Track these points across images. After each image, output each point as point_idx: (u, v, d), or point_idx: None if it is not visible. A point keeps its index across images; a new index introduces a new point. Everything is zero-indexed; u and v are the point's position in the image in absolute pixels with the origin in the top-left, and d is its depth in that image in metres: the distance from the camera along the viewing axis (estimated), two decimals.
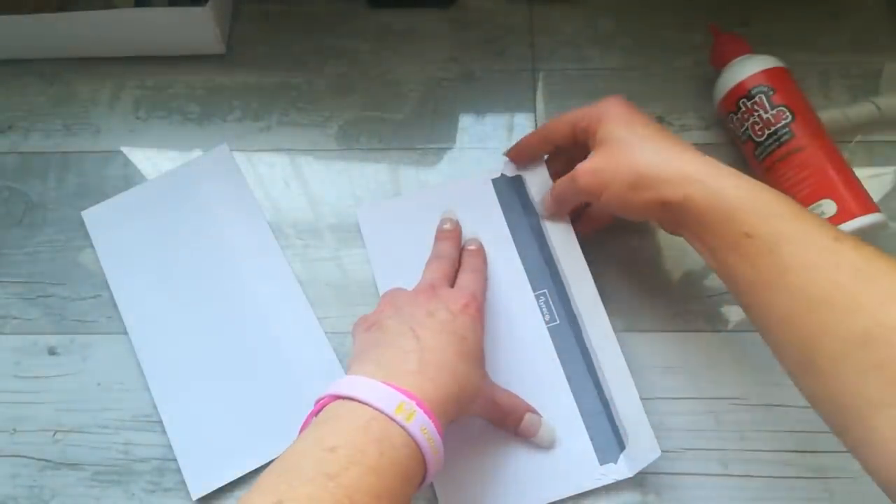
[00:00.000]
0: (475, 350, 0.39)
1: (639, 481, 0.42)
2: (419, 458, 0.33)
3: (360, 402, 0.33)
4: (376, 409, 0.33)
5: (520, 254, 0.48)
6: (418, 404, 0.33)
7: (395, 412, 0.32)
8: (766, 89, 0.46)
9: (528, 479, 0.42)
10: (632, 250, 0.49)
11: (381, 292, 0.47)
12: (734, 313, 0.47)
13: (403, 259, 0.47)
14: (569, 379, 0.44)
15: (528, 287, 0.47)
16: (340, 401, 0.34)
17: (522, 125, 0.53)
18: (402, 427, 0.32)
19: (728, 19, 0.55)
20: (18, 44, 0.56)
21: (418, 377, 0.35)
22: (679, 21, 0.56)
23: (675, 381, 0.45)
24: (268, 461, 0.44)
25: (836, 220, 0.43)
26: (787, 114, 0.45)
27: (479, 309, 0.41)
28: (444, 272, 0.43)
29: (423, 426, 0.33)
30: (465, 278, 0.43)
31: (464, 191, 0.50)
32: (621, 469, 0.42)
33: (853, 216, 0.43)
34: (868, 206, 0.43)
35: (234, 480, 0.44)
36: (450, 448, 0.40)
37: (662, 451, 0.42)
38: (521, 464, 0.42)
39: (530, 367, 0.45)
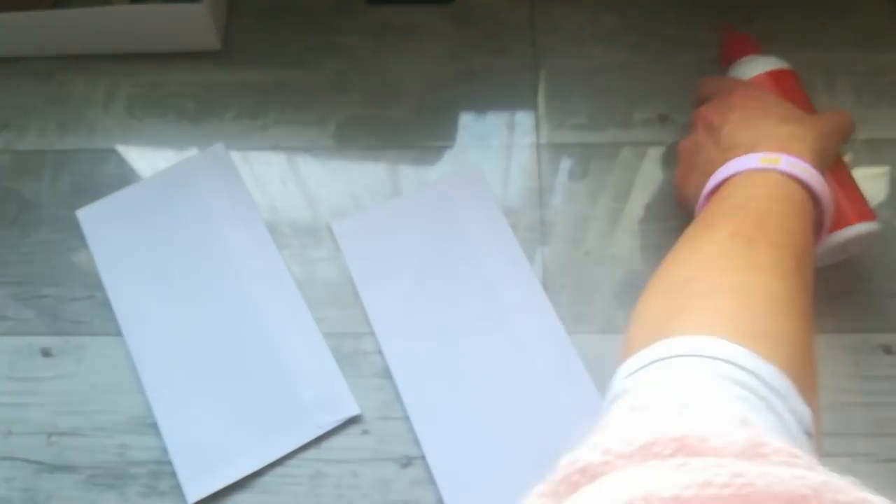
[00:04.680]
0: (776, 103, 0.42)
1: None
2: (801, 189, 0.36)
3: (733, 176, 0.37)
4: (745, 171, 0.37)
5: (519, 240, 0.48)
6: (781, 151, 0.36)
7: (762, 162, 0.36)
8: None
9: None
10: (633, 250, 0.48)
11: (365, 304, 0.47)
12: None
13: (384, 269, 0.48)
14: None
15: (532, 273, 0.47)
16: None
17: (523, 123, 0.52)
18: (774, 169, 0.36)
19: (732, 16, 0.54)
20: (12, 42, 0.55)
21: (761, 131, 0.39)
22: (682, 17, 0.55)
23: None
24: (264, 464, 0.44)
25: (831, 227, 0.42)
26: None
27: (744, 94, 0.43)
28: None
29: (791, 163, 0.36)
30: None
31: (453, 187, 0.50)
32: None
33: (848, 223, 0.42)
34: (864, 213, 0.42)
35: (230, 484, 0.43)
36: None
37: None
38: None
39: (540, 359, 0.44)
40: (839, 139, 0.41)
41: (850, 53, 0.53)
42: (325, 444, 0.44)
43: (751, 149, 0.38)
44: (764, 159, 0.36)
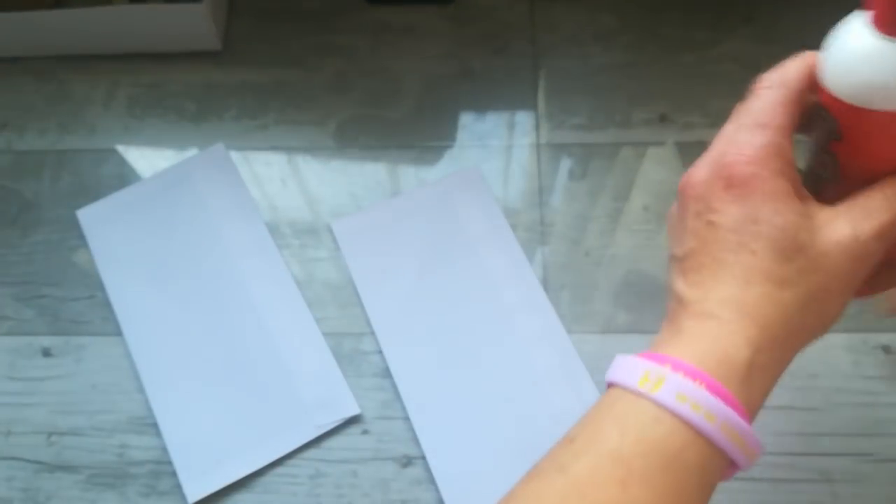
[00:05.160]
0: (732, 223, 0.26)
1: None
2: (690, 434, 0.24)
3: (610, 384, 0.27)
4: (620, 386, 0.26)
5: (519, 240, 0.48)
6: (675, 367, 0.25)
7: (639, 384, 0.25)
8: (831, 123, 0.27)
9: None
10: (633, 250, 0.48)
11: (365, 303, 0.47)
12: None
13: (384, 268, 0.48)
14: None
15: (532, 273, 0.47)
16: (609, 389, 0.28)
17: (523, 122, 0.52)
18: (650, 399, 0.25)
19: (731, 15, 0.54)
20: (13, 41, 0.55)
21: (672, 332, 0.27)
22: (682, 17, 0.55)
23: None
24: (264, 464, 0.43)
25: None
26: (831, 168, 0.28)
27: (699, 188, 0.27)
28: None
29: (679, 393, 0.24)
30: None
31: (453, 187, 0.50)
32: None
33: None
34: None
35: (230, 484, 0.43)
36: None
37: None
38: None
39: (540, 359, 0.44)
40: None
41: None
42: (325, 444, 0.44)
43: (672, 326, 0.27)
44: (645, 378, 0.25)
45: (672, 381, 0.25)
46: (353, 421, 0.45)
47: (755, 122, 0.27)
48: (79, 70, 0.56)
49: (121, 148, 0.53)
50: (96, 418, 0.46)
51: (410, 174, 0.51)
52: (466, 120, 0.53)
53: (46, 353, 0.48)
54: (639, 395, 0.25)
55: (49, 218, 0.51)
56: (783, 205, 0.26)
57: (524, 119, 0.52)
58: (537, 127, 0.52)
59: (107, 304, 0.48)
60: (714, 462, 0.25)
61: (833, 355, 0.45)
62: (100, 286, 0.49)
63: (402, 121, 0.53)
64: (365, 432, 0.45)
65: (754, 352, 0.25)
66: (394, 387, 0.45)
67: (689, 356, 0.25)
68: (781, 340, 0.26)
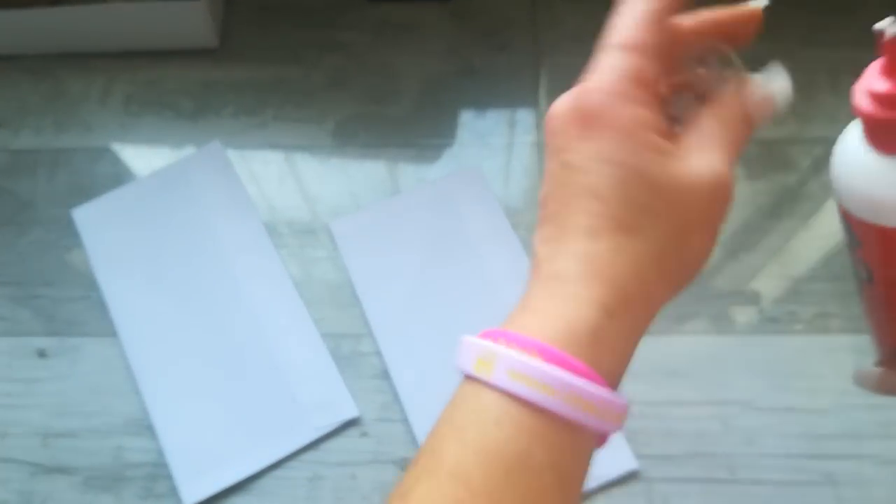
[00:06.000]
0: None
1: (646, 487, 0.41)
2: (536, 424, 0.21)
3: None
4: (464, 373, 0.24)
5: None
6: (508, 341, 0.22)
7: (475, 370, 0.22)
8: (849, 231, 0.25)
9: None
10: None
11: (364, 304, 0.47)
12: (741, 315, 0.46)
13: (384, 269, 0.47)
14: None
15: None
16: None
17: (524, 121, 0.52)
18: (486, 385, 0.22)
19: None
20: (9, 39, 0.55)
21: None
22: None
23: (682, 384, 0.44)
24: (262, 467, 0.43)
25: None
26: (865, 274, 0.26)
27: (557, 121, 0.24)
28: None
29: (511, 370, 0.21)
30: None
31: (454, 186, 0.50)
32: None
33: None
34: None
35: (227, 487, 0.43)
36: None
37: (670, 454, 0.41)
38: None
39: None
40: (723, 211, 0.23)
41: (853, 52, 0.52)
42: (324, 447, 0.44)
43: (524, 293, 0.24)
44: (479, 362, 0.22)
45: (503, 358, 0.22)
46: (351, 423, 0.44)
47: (618, 43, 0.25)
48: (75, 68, 0.56)
49: (116, 146, 0.53)
50: (92, 420, 0.45)
51: (410, 173, 0.51)
52: (467, 118, 0.52)
53: (42, 354, 0.47)
54: (476, 383, 0.22)
55: (44, 217, 0.51)
56: (637, 141, 0.22)
57: (525, 117, 0.52)
58: (538, 125, 0.52)
59: (102, 305, 0.48)
60: (571, 445, 0.22)
61: (838, 356, 0.44)
62: (95, 286, 0.48)
63: (402, 119, 0.53)
64: (364, 435, 0.44)
65: (603, 313, 0.22)
66: (393, 389, 0.45)
67: (532, 327, 0.23)
68: (637, 295, 0.22)
